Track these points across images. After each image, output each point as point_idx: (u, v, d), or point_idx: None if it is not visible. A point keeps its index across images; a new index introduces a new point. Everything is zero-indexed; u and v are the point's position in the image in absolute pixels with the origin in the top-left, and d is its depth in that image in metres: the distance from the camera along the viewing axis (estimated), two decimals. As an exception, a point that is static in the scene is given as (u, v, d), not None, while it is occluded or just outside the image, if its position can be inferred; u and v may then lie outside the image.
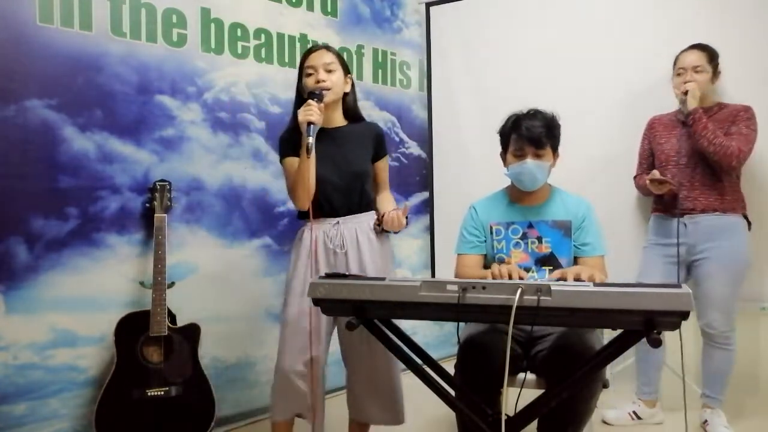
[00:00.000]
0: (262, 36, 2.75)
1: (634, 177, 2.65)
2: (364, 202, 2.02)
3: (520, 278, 1.68)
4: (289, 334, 1.94)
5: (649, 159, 2.59)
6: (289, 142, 1.97)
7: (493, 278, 1.71)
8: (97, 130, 2.26)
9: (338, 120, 2.03)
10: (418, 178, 3.50)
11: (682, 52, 2.45)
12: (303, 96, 1.93)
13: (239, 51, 2.66)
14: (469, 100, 3.24)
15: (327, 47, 1.99)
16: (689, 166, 2.42)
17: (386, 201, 2.13)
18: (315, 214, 1.92)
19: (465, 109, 3.25)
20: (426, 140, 3.41)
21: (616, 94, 2.83)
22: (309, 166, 1.85)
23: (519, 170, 1.93)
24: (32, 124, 2.11)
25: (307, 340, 1.90)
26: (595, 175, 2.79)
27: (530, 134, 1.88)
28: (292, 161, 1.94)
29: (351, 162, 1.98)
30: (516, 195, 2.02)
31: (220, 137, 2.60)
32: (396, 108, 3.38)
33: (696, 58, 2.41)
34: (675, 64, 2.48)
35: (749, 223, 2.43)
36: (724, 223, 2.38)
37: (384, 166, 2.12)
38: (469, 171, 3.19)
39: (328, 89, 1.91)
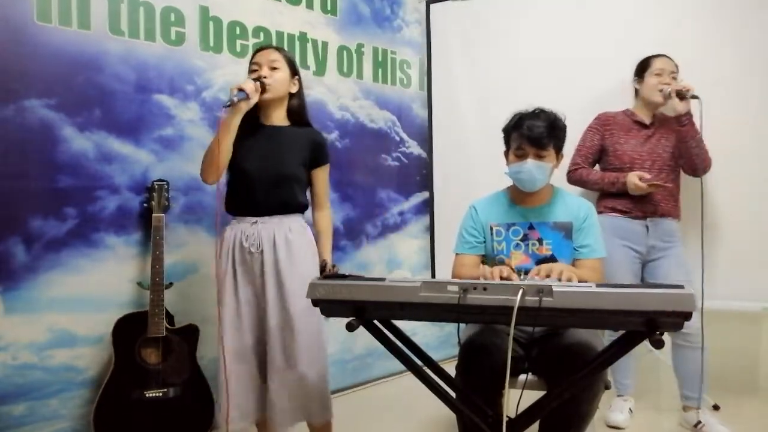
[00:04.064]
0: (261, 34, 2.74)
1: (574, 170, 2.58)
2: (291, 205, 1.98)
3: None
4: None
5: (597, 155, 2.59)
6: None
7: (484, 279, 1.69)
8: (96, 129, 2.25)
9: (279, 119, 2.01)
10: (418, 178, 3.49)
11: (657, 56, 2.51)
12: None
13: (238, 50, 2.65)
14: (470, 99, 3.23)
15: (277, 48, 2.02)
16: (653, 169, 2.46)
17: (322, 225, 2.06)
18: (237, 210, 1.96)
19: (465, 109, 3.24)
20: (426, 140, 3.40)
21: (615, 95, 2.81)
22: (225, 132, 1.84)
23: (518, 170, 1.91)
24: (30, 124, 2.10)
25: (238, 341, 1.93)
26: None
27: (531, 134, 1.86)
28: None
29: (280, 162, 1.95)
30: (517, 195, 2.01)
31: (220, 137, 2.59)
32: (396, 107, 3.37)
33: (672, 64, 2.48)
34: (645, 66, 2.52)
35: None
36: (676, 227, 2.52)
37: (322, 175, 2.06)
38: (469, 171, 3.18)
39: (269, 85, 1.91)
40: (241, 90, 1.82)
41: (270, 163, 1.93)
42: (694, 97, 2.33)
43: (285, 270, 1.92)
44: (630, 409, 2.60)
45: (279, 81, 1.95)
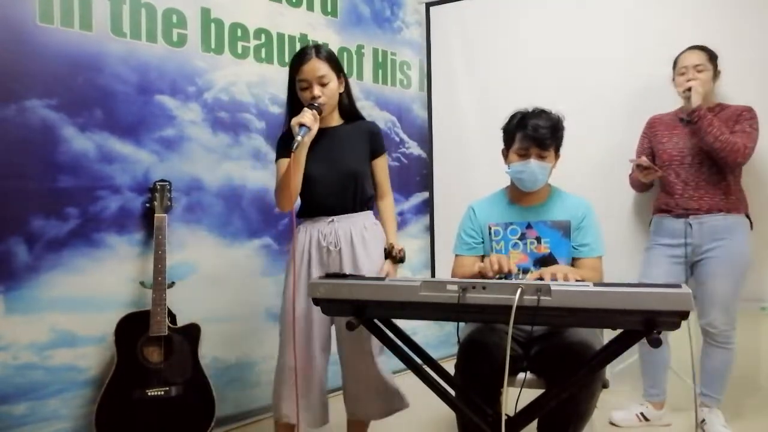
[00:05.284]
0: (263, 36, 2.75)
1: (630, 175, 2.65)
2: (360, 202, 2.01)
3: (510, 271, 1.68)
4: (287, 337, 1.94)
5: (649, 158, 2.58)
6: (284, 143, 1.96)
7: (482, 271, 1.71)
8: (97, 130, 2.26)
9: (334, 120, 2.03)
10: (418, 178, 3.50)
11: (683, 52, 2.47)
12: (299, 102, 1.93)
13: (239, 51, 2.66)
14: (470, 100, 3.24)
15: (317, 52, 1.91)
16: (693, 165, 2.43)
17: (387, 212, 2.10)
18: (310, 213, 1.99)
19: (465, 109, 3.25)
20: (426, 140, 3.41)
21: (616, 95, 2.83)
22: (295, 168, 1.85)
23: (521, 169, 1.92)
24: (32, 124, 2.11)
25: (304, 341, 1.94)
26: (594, 176, 2.79)
27: (536, 134, 1.87)
28: (285, 163, 1.93)
29: (344, 161, 1.97)
30: (515, 195, 2.02)
31: (220, 137, 2.60)
32: (396, 108, 3.38)
33: (697, 57, 2.43)
34: (675, 64, 2.49)
35: (751, 223, 2.44)
36: (729, 223, 2.39)
37: (381, 164, 2.09)
38: (469, 171, 3.19)
39: (324, 104, 1.90)
40: (302, 125, 1.80)
41: (335, 165, 1.96)
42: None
43: (363, 267, 1.95)
44: (642, 414, 2.55)
45: (331, 95, 1.93)
